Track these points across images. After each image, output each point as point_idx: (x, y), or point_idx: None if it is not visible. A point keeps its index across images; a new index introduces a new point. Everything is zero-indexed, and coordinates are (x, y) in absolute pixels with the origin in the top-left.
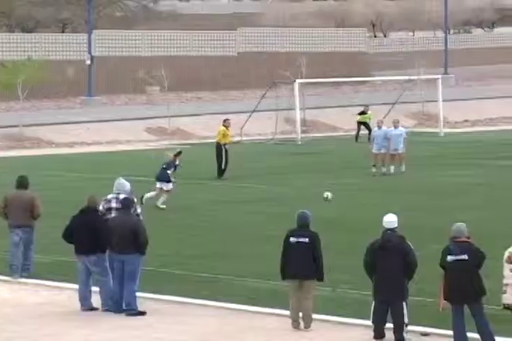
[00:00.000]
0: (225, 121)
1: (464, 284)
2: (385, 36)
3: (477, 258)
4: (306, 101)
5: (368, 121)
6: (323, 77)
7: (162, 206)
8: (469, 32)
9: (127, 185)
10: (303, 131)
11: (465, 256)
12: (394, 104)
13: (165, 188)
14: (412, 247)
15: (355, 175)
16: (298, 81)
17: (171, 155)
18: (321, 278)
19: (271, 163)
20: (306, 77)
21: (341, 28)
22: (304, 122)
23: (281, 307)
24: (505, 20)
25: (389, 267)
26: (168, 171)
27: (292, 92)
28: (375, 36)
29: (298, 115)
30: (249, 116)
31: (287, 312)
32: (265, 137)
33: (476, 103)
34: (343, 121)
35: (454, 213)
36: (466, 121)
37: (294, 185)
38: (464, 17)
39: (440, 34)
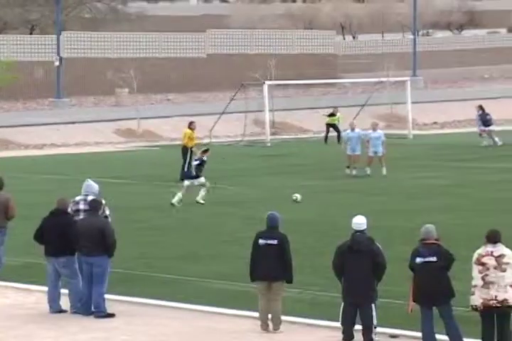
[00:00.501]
0: (190, 123)
1: (433, 286)
2: (354, 38)
3: (446, 260)
4: (275, 102)
5: (336, 123)
6: (292, 78)
7: (202, 201)
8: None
9: (96, 187)
10: (272, 133)
11: (434, 258)
12: (363, 106)
13: (196, 183)
14: (382, 249)
15: (325, 176)
16: (267, 83)
17: (198, 152)
18: (289, 280)
19: (240, 165)
20: (275, 79)
21: (310, 30)
22: (273, 124)
23: (249, 309)
24: (473, 22)
25: (358, 269)
26: (194, 162)
27: (261, 94)
28: (344, 38)
29: (267, 117)
30: (219, 117)
31: (256, 314)
32: (234, 139)
33: (445, 105)
34: (312, 123)
35: (422, 215)
36: (435, 123)
37: (264, 187)
38: (432, 19)
39: (409, 36)
